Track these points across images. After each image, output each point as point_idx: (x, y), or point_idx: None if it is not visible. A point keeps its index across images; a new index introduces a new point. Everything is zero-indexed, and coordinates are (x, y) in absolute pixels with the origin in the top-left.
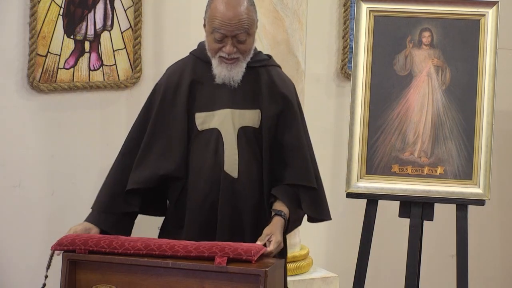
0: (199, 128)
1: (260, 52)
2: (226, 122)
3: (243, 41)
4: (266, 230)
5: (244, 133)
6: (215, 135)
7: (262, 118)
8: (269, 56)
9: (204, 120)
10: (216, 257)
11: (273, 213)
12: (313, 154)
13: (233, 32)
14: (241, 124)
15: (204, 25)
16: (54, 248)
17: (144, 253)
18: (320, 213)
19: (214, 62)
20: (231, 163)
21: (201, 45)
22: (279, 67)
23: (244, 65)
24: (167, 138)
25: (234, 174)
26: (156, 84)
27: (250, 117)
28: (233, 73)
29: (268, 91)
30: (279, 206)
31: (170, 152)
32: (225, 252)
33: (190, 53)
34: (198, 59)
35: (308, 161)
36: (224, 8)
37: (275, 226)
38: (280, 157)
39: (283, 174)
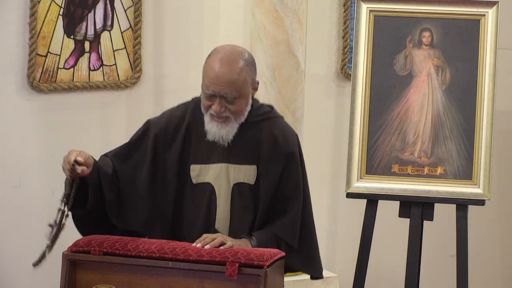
0: (194, 181)
1: (262, 105)
2: (221, 177)
3: (232, 102)
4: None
5: (238, 189)
6: (209, 190)
7: (259, 175)
8: (271, 107)
9: (199, 173)
10: (227, 266)
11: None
12: (310, 207)
13: (221, 92)
14: (236, 180)
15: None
16: (70, 250)
17: (157, 256)
18: (312, 270)
19: (206, 118)
20: (222, 221)
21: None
22: (282, 117)
23: (236, 125)
24: (163, 188)
25: (225, 232)
26: (151, 122)
27: (246, 173)
28: (222, 132)
29: (269, 149)
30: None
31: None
32: (237, 257)
33: (193, 100)
34: (199, 108)
35: (297, 220)
36: (216, 66)
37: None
38: (274, 208)
39: (272, 224)
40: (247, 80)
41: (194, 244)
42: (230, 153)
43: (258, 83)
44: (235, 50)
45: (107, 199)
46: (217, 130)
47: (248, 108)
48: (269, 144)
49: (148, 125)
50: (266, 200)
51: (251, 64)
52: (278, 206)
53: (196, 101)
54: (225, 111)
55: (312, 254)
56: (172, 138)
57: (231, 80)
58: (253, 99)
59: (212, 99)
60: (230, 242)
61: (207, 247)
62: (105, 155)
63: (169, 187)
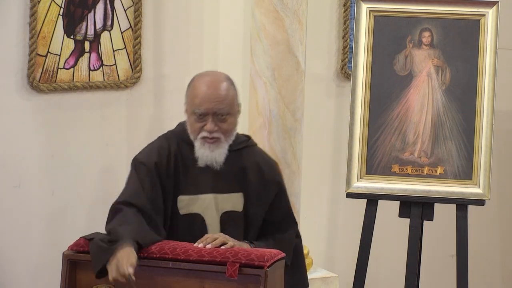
0: (181, 212)
1: (238, 134)
2: (210, 207)
3: (224, 120)
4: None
5: (227, 217)
6: (198, 220)
7: (246, 202)
8: (248, 137)
9: (187, 203)
10: (228, 266)
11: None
12: (297, 228)
13: (214, 108)
14: (224, 209)
15: (186, 110)
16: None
17: (158, 257)
18: (296, 283)
19: (197, 144)
20: None
21: (181, 126)
22: (257, 145)
23: (226, 147)
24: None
25: None
26: (137, 160)
27: (234, 201)
28: (215, 154)
29: (256, 176)
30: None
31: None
32: (238, 258)
33: (171, 132)
34: (182, 141)
35: (293, 239)
36: (204, 86)
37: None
38: (269, 229)
39: (271, 239)
40: (235, 98)
41: (196, 244)
42: (217, 182)
43: (240, 106)
44: (218, 73)
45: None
46: (209, 153)
47: (236, 129)
48: (255, 172)
49: (138, 161)
50: (257, 225)
51: (234, 85)
52: (275, 227)
53: (176, 133)
54: (217, 130)
55: (301, 269)
56: (166, 168)
57: (223, 97)
58: None
59: (205, 119)
60: (231, 242)
61: (208, 246)
62: (128, 204)
63: (164, 217)
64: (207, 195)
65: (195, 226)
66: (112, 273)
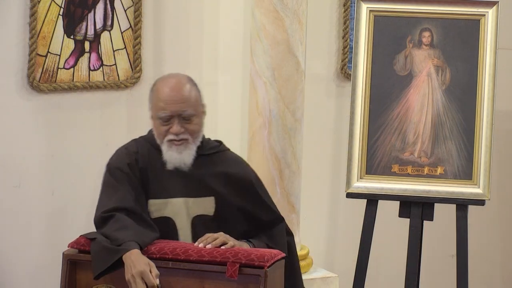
0: (152, 215)
1: (209, 139)
2: (180, 211)
3: (190, 120)
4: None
5: (199, 221)
6: (170, 224)
7: (218, 206)
8: (220, 142)
9: (158, 207)
10: (228, 267)
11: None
12: (286, 224)
13: (179, 110)
14: (195, 213)
15: (151, 116)
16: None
17: (157, 257)
18: (297, 283)
19: (164, 147)
20: None
21: (151, 132)
22: (229, 150)
23: (194, 148)
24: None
25: None
26: (110, 165)
27: (205, 205)
28: (183, 156)
29: (227, 180)
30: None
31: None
32: (238, 258)
33: (142, 137)
34: (151, 146)
35: (283, 233)
36: (167, 89)
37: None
38: (259, 232)
39: (262, 235)
40: (198, 99)
41: (196, 244)
42: (187, 186)
43: (205, 107)
44: (179, 75)
45: None
46: (177, 156)
47: (202, 130)
48: (226, 175)
49: (112, 165)
50: (232, 228)
51: (196, 86)
52: (262, 224)
53: (146, 138)
54: (184, 132)
55: (296, 271)
56: (135, 171)
57: (186, 97)
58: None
59: (170, 122)
60: (231, 242)
61: (208, 246)
62: (117, 209)
63: None
64: (178, 199)
65: (167, 230)
66: (137, 285)
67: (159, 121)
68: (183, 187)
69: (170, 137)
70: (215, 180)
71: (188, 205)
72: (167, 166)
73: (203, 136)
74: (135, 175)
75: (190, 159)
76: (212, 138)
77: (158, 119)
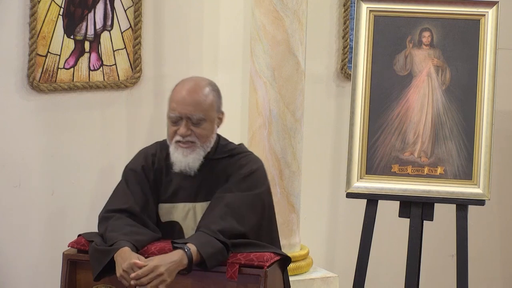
0: (162, 219)
1: (229, 142)
2: (188, 216)
3: (198, 124)
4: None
5: None
6: (177, 228)
7: None
8: (238, 145)
9: (167, 211)
10: (227, 268)
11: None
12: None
13: (188, 113)
14: None
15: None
16: (71, 245)
17: None
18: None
19: (171, 148)
20: None
21: None
22: (250, 153)
23: (202, 153)
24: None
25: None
26: (126, 168)
27: None
28: (189, 159)
29: (236, 177)
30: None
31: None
32: (237, 258)
33: (165, 140)
34: (165, 149)
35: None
36: (183, 91)
37: (161, 256)
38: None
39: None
40: (214, 104)
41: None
42: (197, 191)
43: (223, 114)
44: (200, 78)
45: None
46: (182, 158)
47: (214, 135)
48: (230, 176)
49: (128, 166)
50: None
51: (217, 91)
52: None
53: (164, 142)
54: (191, 135)
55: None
56: (149, 174)
57: (197, 101)
58: (220, 137)
59: (178, 123)
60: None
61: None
62: (120, 211)
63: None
64: (186, 204)
65: (173, 234)
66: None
67: (169, 121)
68: (191, 192)
69: (177, 138)
70: (221, 185)
71: (196, 210)
72: (173, 168)
73: (219, 141)
74: (147, 177)
75: (196, 163)
76: None
77: (169, 118)
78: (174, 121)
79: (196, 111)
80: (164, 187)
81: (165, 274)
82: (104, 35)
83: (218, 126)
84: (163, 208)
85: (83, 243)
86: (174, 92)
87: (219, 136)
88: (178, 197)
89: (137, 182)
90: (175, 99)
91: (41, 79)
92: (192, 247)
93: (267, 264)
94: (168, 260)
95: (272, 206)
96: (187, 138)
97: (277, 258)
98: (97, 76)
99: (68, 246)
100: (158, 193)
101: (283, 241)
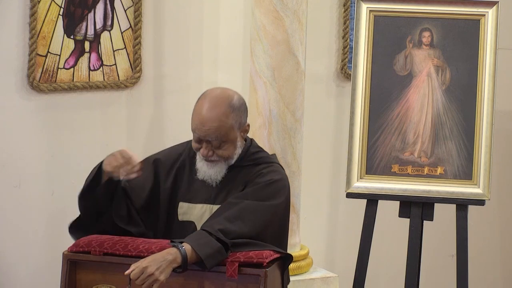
0: (180, 218)
1: (260, 151)
2: (203, 217)
3: (219, 147)
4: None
5: None
6: (191, 228)
7: None
8: (265, 154)
9: (186, 211)
10: (227, 266)
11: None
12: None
13: (206, 137)
14: None
15: None
16: (70, 250)
17: None
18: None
19: (198, 157)
20: None
21: None
22: (278, 163)
23: (225, 166)
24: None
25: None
26: (154, 158)
27: None
28: (212, 172)
29: (254, 184)
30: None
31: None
32: (236, 257)
33: (190, 141)
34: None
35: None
36: (201, 111)
37: (153, 256)
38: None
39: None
40: (234, 125)
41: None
42: (217, 195)
43: (248, 125)
44: (223, 95)
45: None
46: (206, 169)
47: (238, 151)
48: (248, 182)
49: (150, 156)
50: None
51: (238, 109)
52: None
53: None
54: (213, 155)
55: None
56: (169, 171)
57: (215, 127)
58: (252, 143)
59: (200, 143)
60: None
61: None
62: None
63: (160, 223)
64: (204, 205)
65: (187, 234)
66: (116, 160)
67: (193, 137)
68: (214, 193)
69: (200, 155)
70: (240, 191)
71: (211, 212)
72: (197, 175)
73: (249, 148)
74: (156, 172)
75: (219, 176)
76: None
77: (193, 133)
78: (196, 140)
79: (215, 136)
80: (186, 186)
81: (156, 273)
82: (104, 35)
83: (244, 138)
84: (183, 206)
85: (82, 245)
86: (196, 108)
87: (251, 142)
88: (198, 198)
89: (143, 169)
90: (195, 119)
91: (41, 79)
92: (186, 246)
93: (267, 261)
94: (160, 259)
95: (286, 220)
96: (210, 158)
97: (277, 255)
98: (97, 76)
99: (68, 251)
100: (176, 192)
101: None
